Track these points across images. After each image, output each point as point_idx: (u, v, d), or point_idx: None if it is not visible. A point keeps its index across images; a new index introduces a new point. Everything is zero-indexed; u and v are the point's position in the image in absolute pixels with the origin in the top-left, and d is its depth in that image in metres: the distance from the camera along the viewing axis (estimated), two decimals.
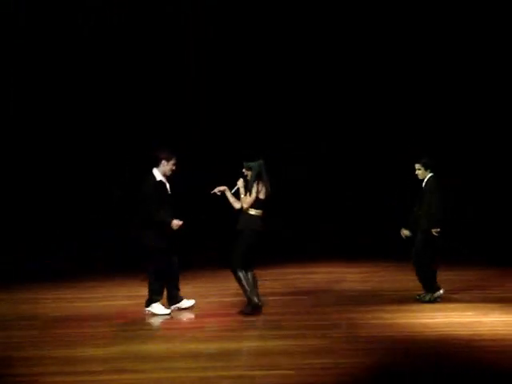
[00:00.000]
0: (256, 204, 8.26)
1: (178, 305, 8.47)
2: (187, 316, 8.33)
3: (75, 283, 10.58)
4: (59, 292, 9.90)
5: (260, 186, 8.27)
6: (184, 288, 8.76)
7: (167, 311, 8.32)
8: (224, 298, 9.17)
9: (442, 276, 9.12)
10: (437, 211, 8.67)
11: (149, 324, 8.08)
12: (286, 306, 8.77)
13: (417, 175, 8.86)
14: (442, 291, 8.82)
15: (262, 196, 8.29)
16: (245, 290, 8.25)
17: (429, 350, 6.77)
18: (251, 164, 8.31)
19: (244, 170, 8.34)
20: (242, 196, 8.30)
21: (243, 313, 8.24)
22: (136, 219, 8.36)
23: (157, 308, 8.30)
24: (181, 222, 8.21)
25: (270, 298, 9.09)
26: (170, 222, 8.17)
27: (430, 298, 8.77)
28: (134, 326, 7.97)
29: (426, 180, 8.82)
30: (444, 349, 6.78)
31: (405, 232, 8.95)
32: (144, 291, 8.60)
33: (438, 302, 8.74)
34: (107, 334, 7.64)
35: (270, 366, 6.32)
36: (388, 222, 14.14)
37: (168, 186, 8.38)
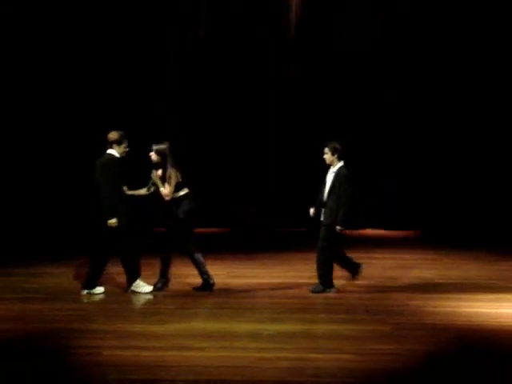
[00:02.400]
0: (178, 186, 8.24)
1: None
2: (244, 297, 8.31)
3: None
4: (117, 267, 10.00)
5: (174, 168, 8.23)
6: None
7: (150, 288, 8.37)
8: (286, 279, 9.12)
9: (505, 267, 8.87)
10: (346, 207, 8.21)
11: (207, 303, 8.09)
12: (347, 290, 8.67)
13: (324, 159, 8.43)
14: (334, 289, 8.45)
15: (180, 178, 8.28)
16: (203, 272, 8.38)
17: (491, 339, 6.61)
18: (161, 148, 8.22)
19: (151, 154, 8.27)
20: (161, 188, 8.25)
21: (313, 291, 8.31)
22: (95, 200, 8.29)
23: (141, 287, 8.34)
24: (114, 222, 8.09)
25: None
26: (112, 215, 8.07)
27: (319, 290, 8.43)
28: (193, 304, 7.99)
29: (336, 169, 8.35)
30: (503, 339, 6.61)
31: (311, 212, 8.50)
32: (194, 270, 8.62)
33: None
34: (166, 311, 7.68)
35: (329, 349, 6.25)
36: (454, 209, 14.10)
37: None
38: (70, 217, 13.54)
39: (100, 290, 8.39)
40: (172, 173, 8.23)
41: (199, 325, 7.06)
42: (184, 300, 8.15)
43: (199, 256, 8.41)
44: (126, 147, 8.27)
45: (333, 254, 8.43)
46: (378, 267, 10.35)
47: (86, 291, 8.32)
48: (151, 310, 7.75)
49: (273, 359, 5.99)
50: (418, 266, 10.44)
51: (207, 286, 8.45)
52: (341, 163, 8.39)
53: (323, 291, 8.40)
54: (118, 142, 8.21)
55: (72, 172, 13.59)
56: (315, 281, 8.52)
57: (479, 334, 6.81)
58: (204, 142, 14.64)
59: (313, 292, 8.40)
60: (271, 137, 14.73)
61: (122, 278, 8.65)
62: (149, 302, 8.10)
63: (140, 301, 8.12)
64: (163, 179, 8.30)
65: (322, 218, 8.42)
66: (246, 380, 5.49)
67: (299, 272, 9.45)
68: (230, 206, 14.25)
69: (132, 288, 8.35)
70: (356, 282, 9.05)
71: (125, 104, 13.95)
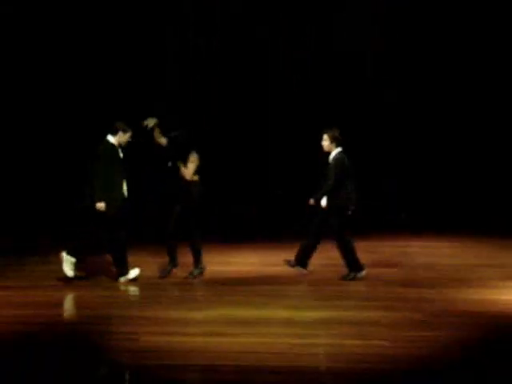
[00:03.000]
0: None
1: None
2: (278, 283, 8.40)
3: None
4: (151, 255, 10.16)
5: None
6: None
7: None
8: (320, 267, 9.18)
9: None
10: (329, 188, 8.26)
11: (243, 290, 8.19)
12: (379, 278, 8.71)
13: (322, 146, 8.46)
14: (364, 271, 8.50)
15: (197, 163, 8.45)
16: (200, 261, 8.46)
17: None
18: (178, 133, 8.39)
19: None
20: (182, 168, 8.37)
21: (344, 278, 8.40)
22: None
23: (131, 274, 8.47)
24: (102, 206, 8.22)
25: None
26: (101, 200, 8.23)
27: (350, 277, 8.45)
28: (227, 291, 8.09)
29: (332, 155, 8.39)
30: None
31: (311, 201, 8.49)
32: (234, 258, 8.73)
33: None
34: (201, 298, 7.81)
35: (362, 335, 6.32)
36: (484, 198, 14.06)
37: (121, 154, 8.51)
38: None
39: (135, 272, 8.52)
40: (194, 155, 8.42)
41: (234, 312, 7.17)
42: (219, 287, 8.26)
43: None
44: (130, 137, 8.46)
45: (346, 236, 8.43)
46: (409, 255, 10.37)
47: (122, 278, 8.49)
48: (186, 297, 7.88)
49: (308, 345, 6.08)
50: (448, 254, 10.44)
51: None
52: (338, 149, 8.43)
53: (353, 277, 8.47)
54: (124, 130, 8.41)
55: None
56: (345, 268, 8.57)
57: (509, 321, 6.82)
58: (204, 142, 14.65)
59: (344, 279, 8.47)
60: (271, 137, 14.71)
61: (158, 266, 8.78)
62: (184, 289, 8.22)
63: (176, 288, 8.25)
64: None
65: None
66: (282, 366, 5.58)
67: (332, 260, 9.51)
68: (229, 205, 14.23)
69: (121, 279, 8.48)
70: (386, 269, 9.10)
71: (125, 103, 14.07)
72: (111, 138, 8.41)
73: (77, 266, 8.46)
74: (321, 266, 9.13)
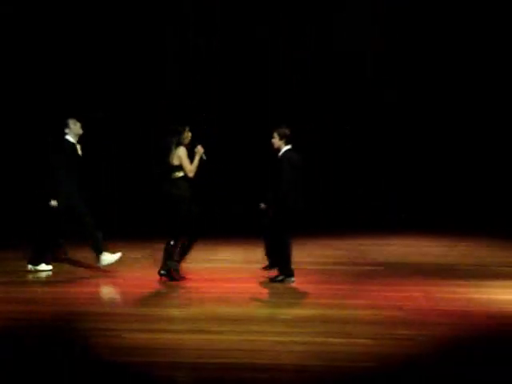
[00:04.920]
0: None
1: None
2: (261, 281, 8.40)
3: (151, 244, 10.84)
4: (139, 253, 10.15)
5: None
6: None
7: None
8: (302, 265, 9.18)
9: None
10: (284, 190, 8.14)
11: (225, 287, 8.20)
12: (363, 276, 8.75)
13: (272, 143, 8.39)
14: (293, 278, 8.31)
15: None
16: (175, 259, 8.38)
17: (506, 326, 6.66)
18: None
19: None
20: (188, 163, 8.27)
21: (272, 280, 8.27)
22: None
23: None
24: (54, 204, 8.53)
25: (348, 268, 9.13)
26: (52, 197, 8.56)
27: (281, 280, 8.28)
28: (211, 289, 8.10)
29: (281, 153, 8.32)
30: None
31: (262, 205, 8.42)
32: (220, 255, 8.73)
33: None
34: (185, 296, 7.80)
35: (346, 334, 6.33)
36: (474, 196, 14.15)
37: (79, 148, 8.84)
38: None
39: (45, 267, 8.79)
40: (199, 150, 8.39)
41: (217, 309, 7.16)
42: (203, 285, 8.26)
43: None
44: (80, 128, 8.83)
45: (287, 238, 8.24)
46: (394, 253, 10.42)
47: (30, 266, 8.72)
48: (171, 295, 7.87)
49: (290, 343, 6.08)
50: (434, 253, 10.49)
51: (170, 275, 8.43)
52: (287, 147, 8.34)
53: (282, 280, 8.27)
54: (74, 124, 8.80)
55: None
56: (330, 266, 8.59)
57: (495, 320, 6.84)
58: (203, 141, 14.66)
59: (271, 281, 8.30)
60: (270, 136, 14.70)
61: (142, 264, 8.77)
62: (169, 286, 8.20)
63: (161, 285, 8.23)
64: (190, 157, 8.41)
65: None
66: (264, 363, 5.57)
67: (315, 258, 9.54)
68: (230, 206, 14.21)
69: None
70: (371, 268, 9.13)
71: (125, 104, 14.08)
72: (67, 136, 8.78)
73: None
74: (304, 264, 9.14)
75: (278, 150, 8.35)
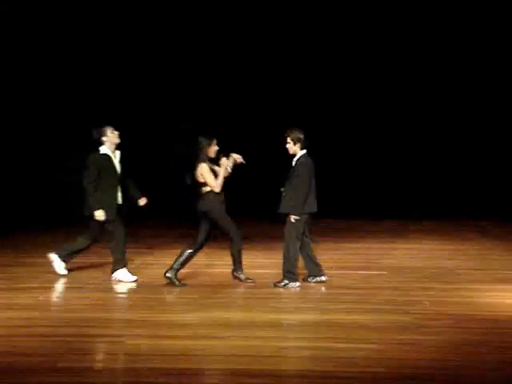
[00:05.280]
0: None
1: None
2: (266, 286, 8.34)
3: (154, 249, 10.79)
4: (143, 257, 10.09)
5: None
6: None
7: (133, 278, 8.51)
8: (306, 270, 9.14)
9: None
10: (300, 197, 8.06)
11: (228, 292, 8.14)
12: (368, 280, 8.69)
13: (287, 149, 8.27)
14: (298, 283, 8.27)
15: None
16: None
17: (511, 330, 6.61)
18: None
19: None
20: (211, 178, 8.17)
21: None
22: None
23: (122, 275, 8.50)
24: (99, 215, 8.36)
25: (352, 272, 9.06)
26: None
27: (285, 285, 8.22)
28: (214, 293, 8.03)
29: (296, 158, 8.22)
30: None
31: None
32: (226, 260, 8.67)
33: None
34: (189, 301, 7.73)
35: (350, 339, 6.26)
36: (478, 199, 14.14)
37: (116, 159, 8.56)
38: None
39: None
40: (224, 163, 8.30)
41: (221, 314, 7.10)
42: (206, 290, 8.20)
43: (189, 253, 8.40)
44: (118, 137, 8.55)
45: (295, 244, 8.21)
46: (398, 257, 10.35)
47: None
48: (174, 300, 7.81)
49: (294, 348, 6.03)
50: (439, 256, 10.43)
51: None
52: (302, 152, 8.26)
53: (286, 286, 8.25)
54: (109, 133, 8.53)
55: None
56: (334, 271, 8.53)
57: (503, 324, 6.78)
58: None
59: (275, 286, 8.27)
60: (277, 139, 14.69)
61: (148, 269, 8.71)
62: (173, 291, 8.14)
63: (164, 291, 8.17)
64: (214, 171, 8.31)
65: (280, 207, 8.27)
66: (268, 369, 5.51)
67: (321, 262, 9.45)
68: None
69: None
70: (375, 272, 9.06)
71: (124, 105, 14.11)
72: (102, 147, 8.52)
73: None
74: (302, 268, 9.08)
75: (294, 155, 8.29)
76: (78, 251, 8.85)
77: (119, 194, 8.53)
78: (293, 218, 8.10)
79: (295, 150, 8.24)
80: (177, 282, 8.28)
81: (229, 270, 8.62)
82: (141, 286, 8.37)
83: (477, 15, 14.13)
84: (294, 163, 8.26)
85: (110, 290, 8.27)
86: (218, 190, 8.19)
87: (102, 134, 8.50)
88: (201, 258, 9.08)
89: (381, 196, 14.85)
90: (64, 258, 8.78)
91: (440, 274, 9.05)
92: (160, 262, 9.63)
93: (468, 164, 14.65)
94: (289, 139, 8.25)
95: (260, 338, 6.31)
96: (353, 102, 14.89)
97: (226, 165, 8.28)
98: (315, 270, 8.46)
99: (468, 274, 9.14)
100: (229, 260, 8.58)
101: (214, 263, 9.61)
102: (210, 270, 9.03)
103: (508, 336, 6.42)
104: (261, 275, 8.79)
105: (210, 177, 8.19)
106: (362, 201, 14.72)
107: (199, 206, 8.28)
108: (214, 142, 8.30)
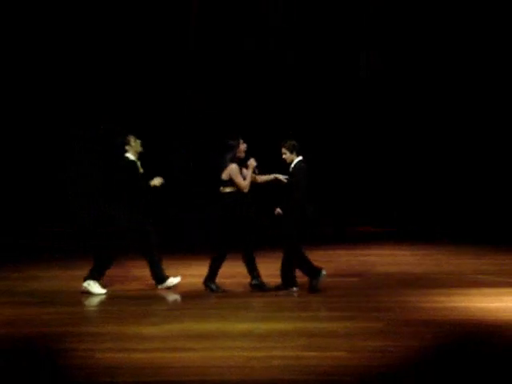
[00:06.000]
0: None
1: (165, 284, 8.60)
2: (238, 296, 8.32)
3: (126, 261, 10.73)
4: (110, 270, 10.01)
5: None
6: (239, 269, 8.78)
7: (103, 291, 8.42)
8: (278, 278, 9.13)
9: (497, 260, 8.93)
10: (299, 199, 8.22)
11: (200, 303, 8.10)
12: (338, 287, 8.70)
13: (284, 160, 8.42)
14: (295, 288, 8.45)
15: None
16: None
17: (486, 334, 6.64)
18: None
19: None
20: (240, 179, 8.26)
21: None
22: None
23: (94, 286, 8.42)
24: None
25: (323, 280, 9.05)
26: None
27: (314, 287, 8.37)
28: (186, 304, 8.00)
29: (293, 164, 8.37)
30: (501, 333, 6.64)
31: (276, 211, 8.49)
32: (198, 270, 8.64)
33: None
34: (159, 313, 7.69)
35: (320, 347, 6.26)
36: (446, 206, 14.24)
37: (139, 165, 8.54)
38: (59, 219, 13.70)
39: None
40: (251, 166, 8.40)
41: (192, 325, 7.07)
42: (176, 301, 8.16)
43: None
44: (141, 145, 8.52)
45: (297, 249, 8.36)
46: (368, 264, 10.39)
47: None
48: (144, 312, 7.74)
49: (265, 358, 5.99)
50: (409, 262, 10.48)
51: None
52: (298, 158, 8.40)
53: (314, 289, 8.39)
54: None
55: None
56: (305, 278, 8.53)
57: (474, 329, 6.82)
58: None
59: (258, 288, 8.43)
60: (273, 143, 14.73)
61: (116, 281, 8.64)
62: (142, 303, 8.09)
63: (131, 303, 8.11)
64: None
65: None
66: (239, 380, 5.49)
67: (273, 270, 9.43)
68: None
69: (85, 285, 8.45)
70: (346, 280, 9.07)
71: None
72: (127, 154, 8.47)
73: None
74: (276, 277, 9.08)
75: (291, 162, 8.40)
76: (108, 265, 8.64)
77: (141, 203, 8.47)
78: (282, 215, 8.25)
79: (292, 157, 8.38)
80: (216, 288, 8.41)
81: (198, 280, 8.60)
82: (108, 299, 8.30)
83: (477, 16, 14.20)
84: (290, 169, 8.40)
85: (78, 303, 8.18)
86: (245, 190, 8.31)
87: (126, 142, 8.46)
88: (171, 271, 9.04)
89: (356, 204, 14.91)
90: (96, 278, 8.56)
91: (411, 280, 9.10)
92: (130, 274, 9.59)
93: (440, 173, 14.76)
94: (284, 149, 8.40)
95: (230, 348, 6.28)
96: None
97: (254, 164, 8.38)
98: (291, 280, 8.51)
99: (439, 279, 9.20)
100: (198, 269, 8.56)
101: (183, 272, 9.55)
102: (182, 281, 8.98)
103: (479, 339, 6.46)
104: (232, 285, 8.77)
105: (239, 177, 8.28)
106: (334, 208, 14.75)
107: (217, 208, 8.38)
108: (241, 141, 8.42)
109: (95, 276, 8.41)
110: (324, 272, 8.37)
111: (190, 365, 5.85)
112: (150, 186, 8.49)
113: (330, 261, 10.75)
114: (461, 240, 12.55)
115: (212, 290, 8.44)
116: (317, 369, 5.67)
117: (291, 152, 8.38)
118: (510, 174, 14.40)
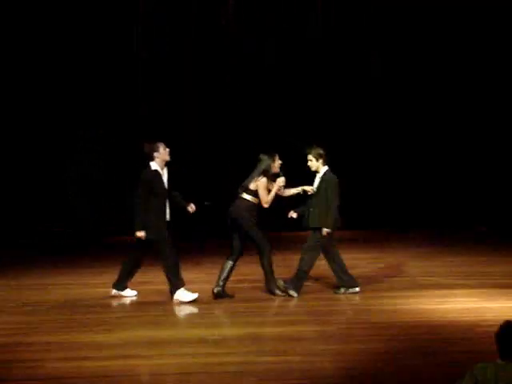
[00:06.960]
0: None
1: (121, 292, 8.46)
2: (192, 302, 8.27)
3: (79, 269, 10.59)
4: (63, 278, 9.88)
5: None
6: (189, 274, 8.73)
7: (195, 295, 8.19)
8: (231, 284, 9.09)
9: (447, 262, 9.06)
10: (333, 211, 8.26)
11: (153, 310, 8.02)
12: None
13: (309, 166, 8.43)
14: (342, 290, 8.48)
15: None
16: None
17: (435, 335, 6.73)
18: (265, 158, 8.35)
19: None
20: (265, 194, 8.28)
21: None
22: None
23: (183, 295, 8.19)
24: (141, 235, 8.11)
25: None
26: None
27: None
28: (139, 312, 7.93)
29: (322, 174, 8.38)
30: (451, 334, 6.75)
31: (293, 213, 8.54)
32: (149, 278, 8.57)
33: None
34: (111, 320, 7.60)
35: (277, 351, 6.28)
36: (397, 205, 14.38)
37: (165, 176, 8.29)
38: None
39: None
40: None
41: (145, 333, 7.00)
42: (129, 308, 8.09)
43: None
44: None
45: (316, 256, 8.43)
46: (321, 267, 10.42)
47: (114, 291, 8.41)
48: (96, 320, 7.62)
49: (220, 364, 5.99)
50: (361, 265, 10.56)
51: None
52: (326, 167, 8.39)
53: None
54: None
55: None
56: (259, 284, 8.54)
57: (426, 330, 6.91)
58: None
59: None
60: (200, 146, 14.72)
61: (65, 289, 8.52)
62: (93, 311, 7.98)
63: (84, 311, 7.99)
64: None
65: (309, 222, 8.38)
66: None
67: (244, 275, 9.45)
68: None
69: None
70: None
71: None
72: (152, 163, 8.20)
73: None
74: (232, 283, 9.07)
75: (316, 171, 8.37)
76: (134, 270, 8.45)
77: (167, 211, 8.23)
78: (325, 231, 8.20)
79: (318, 165, 8.35)
80: (282, 287, 8.31)
81: (151, 287, 8.54)
82: (58, 308, 8.16)
83: (477, 18, 14.32)
84: (318, 179, 8.34)
85: (29, 312, 8.02)
86: (266, 206, 8.31)
87: (155, 149, 8.18)
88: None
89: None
90: (124, 285, 8.44)
91: (363, 282, 9.15)
92: (80, 282, 9.47)
93: (393, 174, 14.84)
94: (310, 156, 8.35)
95: (185, 355, 6.25)
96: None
97: (281, 184, 8.36)
98: (350, 281, 8.51)
99: (390, 281, 9.29)
100: (156, 275, 8.49)
101: (141, 280, 9.46)
102: (134, 287, 8.90)
103: (430, 341, 6.54)
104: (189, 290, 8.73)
105: (264, 192, 8.28)
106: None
107: (229, 211, 8.34)
108: (277, 157, 8.39)
109: (176, 285, 8.15)
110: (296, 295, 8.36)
111: (143, 373, 5.81)
112: (181, 203, 8.34)
113: (282, 264, 10.73)
114: (414, 243, 12.71)
115: (276, 292, 8.34)
116: (273, 374, 5.69)
117: (317, 160, 8.33)
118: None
